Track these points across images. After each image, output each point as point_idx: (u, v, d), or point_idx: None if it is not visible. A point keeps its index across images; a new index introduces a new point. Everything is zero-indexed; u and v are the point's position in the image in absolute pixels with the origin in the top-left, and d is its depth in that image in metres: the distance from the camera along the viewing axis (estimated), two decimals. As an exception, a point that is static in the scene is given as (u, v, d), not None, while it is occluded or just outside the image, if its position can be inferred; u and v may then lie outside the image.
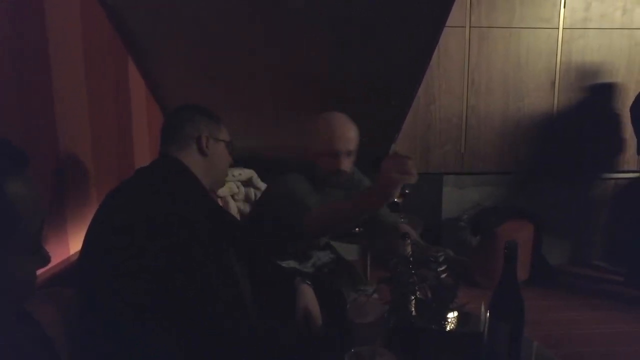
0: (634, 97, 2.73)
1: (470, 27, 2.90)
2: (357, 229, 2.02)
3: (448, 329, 0.92)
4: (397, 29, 1.87)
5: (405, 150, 3.03)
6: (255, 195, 2.55)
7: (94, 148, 1.38)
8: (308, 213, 1.29)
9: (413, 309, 0.92)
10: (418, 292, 0.91)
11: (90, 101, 1.37)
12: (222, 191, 2.42)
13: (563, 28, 2.91)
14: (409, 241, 0.98)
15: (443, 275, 0.92)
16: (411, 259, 0.94)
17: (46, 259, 0.58)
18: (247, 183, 2.56)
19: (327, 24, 1.81)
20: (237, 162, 2.56)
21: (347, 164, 1.44)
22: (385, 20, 1.83)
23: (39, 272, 0.61)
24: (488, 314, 0.89)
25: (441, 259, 0.94)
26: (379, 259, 2.33)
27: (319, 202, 1.41)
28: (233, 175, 2.50)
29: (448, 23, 3.04)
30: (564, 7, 2.87)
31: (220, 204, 2.26)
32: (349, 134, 1.45)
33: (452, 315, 0.94)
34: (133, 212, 0.91)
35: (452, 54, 2.93)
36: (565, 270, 3.12)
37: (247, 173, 2.54)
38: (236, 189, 2.50)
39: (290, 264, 1.54)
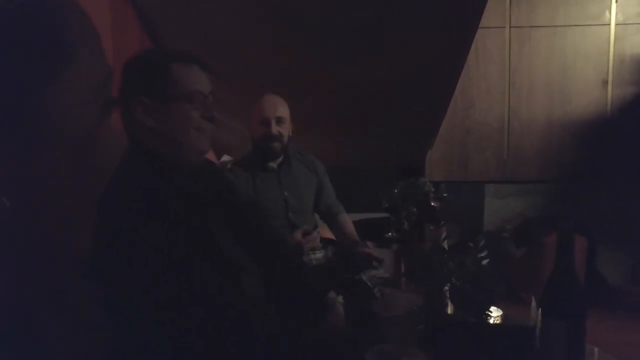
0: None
1: (510, 27, 2.76)
2: (390, 233, 1.90)
3: (492, 322, 0.79)
4: (427, 32, 1.79)
5: (442, 156, 2.89)
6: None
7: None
8: None
9: (449, 301, 0.80)
10: (455, 281, 0.79)
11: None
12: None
13: (615, 24, 2.71)
14: (443, 225, 0.87)
15: (484, 262, 0.79)
16: (446, 245, 0.82)
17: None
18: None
19: (352, 30, 1.76)
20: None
21: (278, 130, 1.59)
22: (415, 24, 1.75)
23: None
24: (540, 312, 0.76)
25: (481, 244, 0.82)
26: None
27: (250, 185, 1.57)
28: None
29: (487, 24, 2.91)
30: (616, 1, 2.68)
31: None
32: (276, 103, 1.63)
33: (496, 311, 0.81)
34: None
35: (491, 56, 2.79)
36: (624, 288, 2.82)
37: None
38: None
39: None
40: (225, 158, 2.31)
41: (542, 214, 2.88)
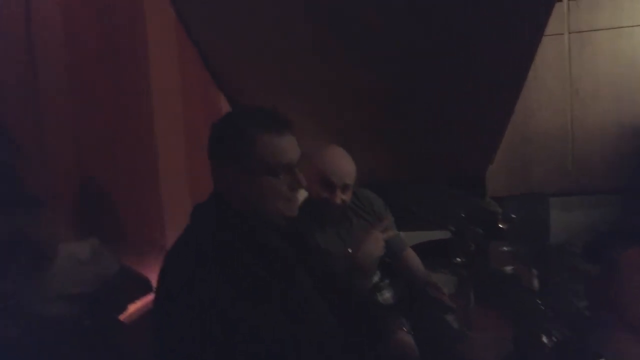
0: None
1: (569, 33, 2.64)
2: (457, 259, 1.84)
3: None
4: (491, 43, 1.74)
5: (503, 170, 2.78)
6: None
7: (192, 184, 1.42)
8: None
9: (548, 349, 0.76)
10: (553, 330, 0.75)
11: (187, 138, 1.43)
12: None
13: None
14: (534, 272, 0.83)
15: (586, 312, 0.75)
16: (536, 285, 0.79)
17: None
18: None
19: (414, 40, 1.74)
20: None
21: (342, 198, 1.42)
22: (478, 36, 1.71)
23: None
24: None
25: (579, 290, 0.77)
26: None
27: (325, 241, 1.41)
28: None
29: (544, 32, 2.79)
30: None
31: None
32: (345, 166, 1.44)
33: (602, 362, 0.76)
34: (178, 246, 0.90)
35: (550, 64, 2.68)
36: None
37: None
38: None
39: None
40: None
41: (615, 227, 2.70)
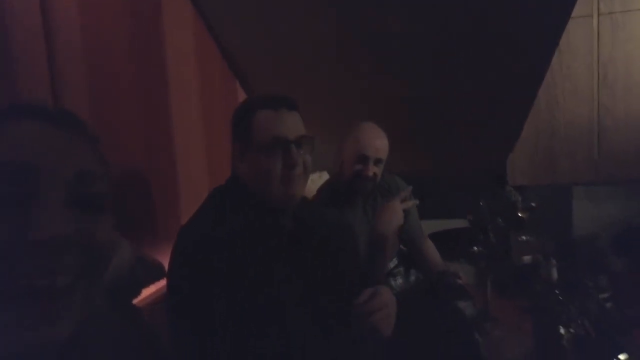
0: None
1: (598, 14, 2.52)
2: (475, 248, 1.81)
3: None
4: (512, 26, 1.68)
5: (526, 160, 2.71)
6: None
7: (210, 172, 1.43)
8: None
9: (566, 346, 0.73)
10: (572, 326, 0.72)
11: (206, 130, 1.43)
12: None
13: None
14: (554, 262, 0.80)
15: (608, 304, 0.72)
16: (555, 274, 0.76)
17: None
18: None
19: (435, 24, 1.69)
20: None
21: (374, 171, 1.47)
22: (498, 18, 1.65)
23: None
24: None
25: (603, 284, 0.74)
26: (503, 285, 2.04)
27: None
28: (312, 180, 2.43)
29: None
30: None
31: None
32: (378, 141, 1.49)
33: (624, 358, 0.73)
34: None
35: (577, 49, 2.57)
36: None
37: (326, 176, 2.46)
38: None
39: None
40: (315, 175, 2.29)
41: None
